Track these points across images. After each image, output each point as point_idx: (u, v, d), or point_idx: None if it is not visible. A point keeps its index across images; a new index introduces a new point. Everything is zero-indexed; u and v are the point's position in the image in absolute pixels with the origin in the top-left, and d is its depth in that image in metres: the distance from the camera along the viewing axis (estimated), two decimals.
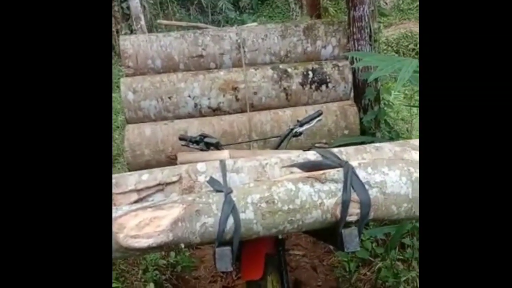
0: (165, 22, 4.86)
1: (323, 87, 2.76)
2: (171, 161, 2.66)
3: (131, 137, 2.62)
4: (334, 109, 2.74)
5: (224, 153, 1.69)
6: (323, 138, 2.75)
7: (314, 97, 2.78)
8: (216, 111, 2.73)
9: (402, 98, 4.20)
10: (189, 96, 2.66)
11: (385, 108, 2.78)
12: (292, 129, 2.10)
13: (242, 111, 2.75)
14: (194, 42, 2.71)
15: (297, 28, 2.79)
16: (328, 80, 2.75)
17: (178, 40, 2.71)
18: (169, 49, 2.70)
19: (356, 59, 2.61)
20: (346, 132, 2.73)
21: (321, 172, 1.13)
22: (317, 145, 2.74)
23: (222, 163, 1.25)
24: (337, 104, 2.77)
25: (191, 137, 2.12)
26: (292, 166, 1.24)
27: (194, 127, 2.66)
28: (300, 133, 2.10)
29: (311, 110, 2.75)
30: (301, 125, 2.11)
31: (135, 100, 2.62)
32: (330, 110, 2.72)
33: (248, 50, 2.75)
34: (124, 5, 7.59)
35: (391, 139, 2.64)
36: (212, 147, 2.08)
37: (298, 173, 1.20)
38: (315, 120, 2.12)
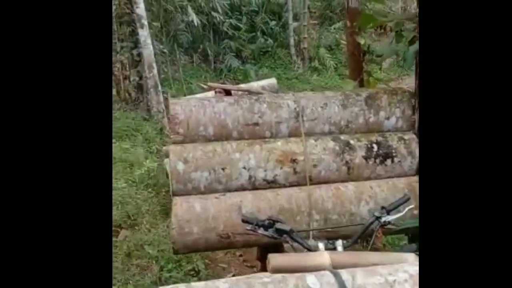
0: (214, 85, 4.68)
1: (388, 162, 2.53)
2: (222, 240, 2.38)
3: (179, 212, 2.34)
4: (402, 186, 2.49)
5: (324, 257, 1.43)
6: None
7: (377, 171, 2.55)
8: (271, 183, 2.48)
9: None
10: (244, 168, 2.42)
11: None
12: (378, 217, 1.85)
13: (299, 184, 2.51)
14: (250, 109, 2.51)
15: (359, 97, 2.61)
16: (394, 154, 2.53)
17: (233, 107, 2.51)
18: (223, 115, 2.49)
19: None
20: (415, 212, 2.48)
21: None
22: None
23: (339, 278, 1.04)
24: (403, 180, 2.53)
25: (258, 220, 1.86)
26: None
27: (248, 201, 2.40)
28: (389, 223, 1.86)
29: (375, 186, 2.52)
30: (388, 213, 1.87)
31: (186, 171, 2.37)
32: (397, 187, 2.49)
33: (307, 119, 2.55)
34: (134, 51, 7.54)
35: None
36: (285, 235, 1.83)
37: None
38: (406, 208, 1.88)
